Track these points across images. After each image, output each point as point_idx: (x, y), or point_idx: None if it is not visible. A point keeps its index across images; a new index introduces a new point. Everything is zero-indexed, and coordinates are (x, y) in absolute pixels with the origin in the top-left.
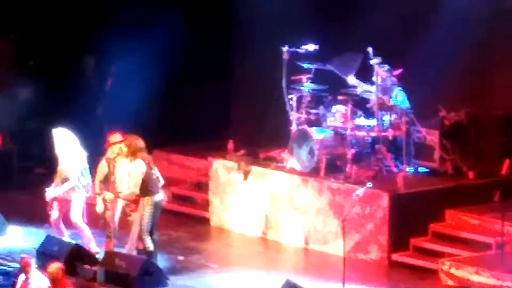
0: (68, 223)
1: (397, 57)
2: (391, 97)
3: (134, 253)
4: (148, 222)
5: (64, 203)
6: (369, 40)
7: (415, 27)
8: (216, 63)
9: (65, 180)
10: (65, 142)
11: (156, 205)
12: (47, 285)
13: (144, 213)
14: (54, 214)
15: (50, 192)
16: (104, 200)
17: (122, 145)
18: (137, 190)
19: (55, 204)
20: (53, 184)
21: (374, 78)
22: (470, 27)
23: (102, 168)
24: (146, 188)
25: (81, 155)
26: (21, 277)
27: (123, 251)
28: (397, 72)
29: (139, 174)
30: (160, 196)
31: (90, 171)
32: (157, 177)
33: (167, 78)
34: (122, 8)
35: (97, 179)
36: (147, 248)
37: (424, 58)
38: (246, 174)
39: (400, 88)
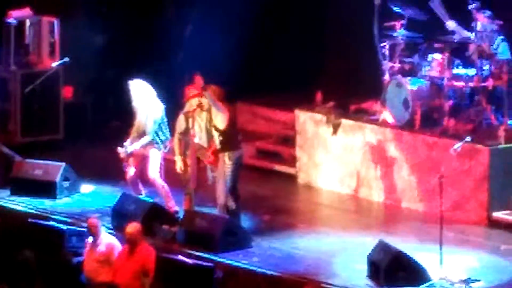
0: (145, 181)
1: (498, 2)
2: (491, 45)
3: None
4: (231, 179)
5: (141, 159)
6: None
7: None
8: (303, 9)
9: (142, 134)
10: (142, 94)
11: (237, 161)
12: (118, 247)
13: (226, 169)
14: (130, 170)
15: (126, 147)
16: (184, 158)
17: (203, 97)
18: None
19: (131, 160)
20: (129, 139)
21: (473, 24)
22: None
23: (181, 123)
24: (228, 141)
25: (159, 108)
26: (89, 239)
27: (205, 209)
28: (498, 23)
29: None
30: (241, 151)
31: (168, 125)
32: (238, 131)
33: (251, 24)
34: None
35: (176, 136)
36: (230, 207)
37: None
38: (335, 128)
39: (502, 37)
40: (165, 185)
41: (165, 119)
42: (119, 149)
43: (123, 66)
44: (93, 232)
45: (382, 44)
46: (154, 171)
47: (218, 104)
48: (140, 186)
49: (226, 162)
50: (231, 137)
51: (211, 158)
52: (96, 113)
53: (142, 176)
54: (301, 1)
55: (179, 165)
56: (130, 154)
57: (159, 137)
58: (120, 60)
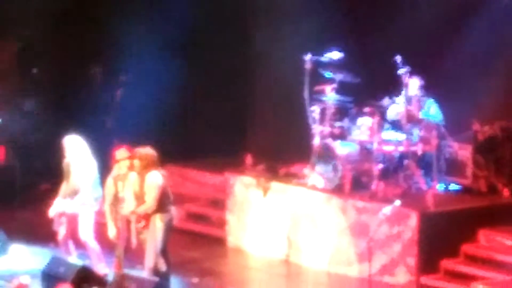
0: (76, 241)
1: (428, 68)
2: (421, 109)
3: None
4: (162, 241)
5: (72, 219)
6: (397, 49)
7: (446, 36)
8: (233, 72)
9: (75, 192)
10: (78, 150)
11: (169, 223)
12: None
13: (157, 232)
14: (62, 231)
15: (58, 207)
16: (116, 223)
17: (135, 159)
18: (155, 205)
19: (62, 219)
20: (59, 197)
21: (402, 89)
22: (504, 38)
23: (109, 188)
24: (161, 203)
25: (93, 165)
26: None
27: (135, 272)
28: (422, 83)
29: (157, 187)
30: (173, 213)
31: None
32: (169, 194)
33: (181, 88)
34: (132, 15)
35: (106, 201)
36: (159, 269)
37: (456, 68)
38: (265, 191)
39: (432, 100)
40: (97, 247)
41: (98, 177)
42: (53, 208)
43: (52, 129)
44: None
45: (312, 108)
46: (86, 232)
47: (149, 168)
48: (71, 247)
49: (157, 224)
50: (162, 200)
51: (143, 222)
52: (25, 176)
53: (73, 236)
54: (231, 65)
55: (111, 231)
56: (62, 214)
57: (92, 195)
58: (49, 123)
